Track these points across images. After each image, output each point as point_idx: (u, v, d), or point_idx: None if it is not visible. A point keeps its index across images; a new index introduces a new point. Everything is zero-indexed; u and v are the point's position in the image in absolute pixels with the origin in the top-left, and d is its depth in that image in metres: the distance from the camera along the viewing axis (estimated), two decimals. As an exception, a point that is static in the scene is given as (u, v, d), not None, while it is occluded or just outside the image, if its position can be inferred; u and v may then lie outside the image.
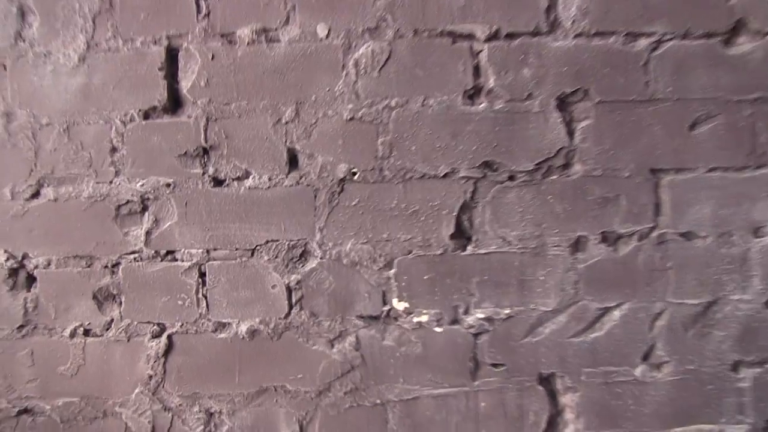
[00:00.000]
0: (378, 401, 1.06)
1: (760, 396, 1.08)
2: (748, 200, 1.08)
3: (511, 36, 1.05)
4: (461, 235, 1.06)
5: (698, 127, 1.07)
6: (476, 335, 1.06)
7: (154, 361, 1.06)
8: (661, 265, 1.07)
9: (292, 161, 1.05)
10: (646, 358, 1.07)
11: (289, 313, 1.05)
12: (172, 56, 1.06)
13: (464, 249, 1.06)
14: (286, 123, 1.05)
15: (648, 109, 1.06)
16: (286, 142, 1.05)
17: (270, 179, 1.05)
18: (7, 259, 1.07)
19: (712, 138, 1.07)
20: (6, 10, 1.08)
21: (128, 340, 1.06)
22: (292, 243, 1.05)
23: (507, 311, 1.06)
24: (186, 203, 1.05)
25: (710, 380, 1.08)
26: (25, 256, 1.07)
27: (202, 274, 1.05)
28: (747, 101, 1.07)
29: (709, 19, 1.07)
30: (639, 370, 1.07)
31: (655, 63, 1.07)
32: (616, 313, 1.07)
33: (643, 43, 1.07)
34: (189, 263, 1.05)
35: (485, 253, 1.05)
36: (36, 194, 1.07)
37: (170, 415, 1.06)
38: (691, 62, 1.07)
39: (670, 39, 1.07)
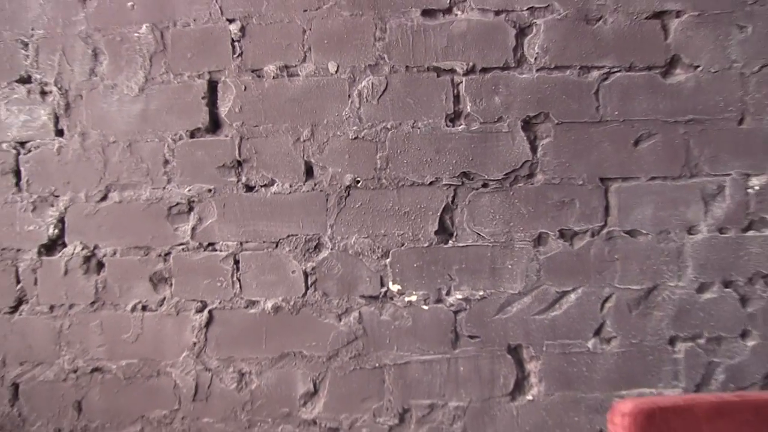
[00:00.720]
0: (377, 365, 1.33)
1: (691, 365, 1.32)
2: (682, 204, 1.33)
3: (484, 70, 1.32)
4: (444, 232, 1.33)
5: (641, 143, 1.33)
6: (456, 312, 1.32)
7: (198, 331, 1.34)
8: (609, 257, 1.33)
9: (309, 172, 1.33)
10: (597, 333, 1.33)
11: (305, 293, 1.33)
12: (212, 87, 1.35)
13: (446, 242, 1.33)
14: (304, 141, 1.33)
15: (598, 129, 1.33)
16: (303, 156, 1.33)
17: (291, 186, 1.33)
18: (82, 249, 1.36)
19: (652, 153, 1.33)
20: (83, 52, 1.38)
21: (177, 314, 1.35)
22: (308, 237, 1.33)
23: (481, 293, 1.32)
24: (224, 205, 1.34)
25: (650, 352, 1.33)
26: (95, 247, 1.36)
27: (237, 262, 1.34)
28: (681, 122, 1.33)
29: (649, 55, 1.33)
30: (591, 343, 1.33)
31: (604, 91, 1.33)
32: (572, 296, 1.33)
33: (594, 74, 1.33)
34: (226, 253, 1.34)
35: (463, 246, 1.32)
36: (104, 197, 1.36)
37: (210, 374, 1.34)
38: (635, 90, 1.33)
39: (617, 71, 1.33)
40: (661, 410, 0.98)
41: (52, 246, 1.37)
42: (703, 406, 1.00)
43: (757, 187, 1.33)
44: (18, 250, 1.37)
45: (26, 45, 1.38)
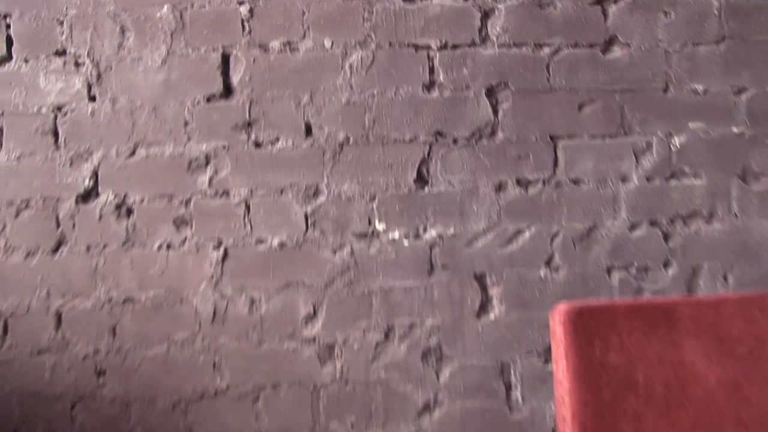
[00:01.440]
0: (366, 291, 1.63)
1: (623, 290, 1.65)
2: (617, 158, 1.65)
3: (455, 46, 1.62)
4: (421, 180, 1.63)
5: (583, 108, 1.65)
6: (431, 246, 1.63)
7: (215, 265, 1.63)
8: (557, 201, 1.64)
9: (308, 131, 1.62)
10: (547, 263, 1.65)
11: (306, 232, 1.62)
12: (225, 60, 1.63)
13: (423, 189, 1.63)
14: (304, 105, 1.62)
15: (549, 96, 1.64)
16: (303, 118, 1.62)
17: (293, 143, 1.62)
18: (114, 198, 1.64)
19: (593, 116, 1.64)
20: (112, 29, 1.65)
21: (197, 251, 1.63)
22: (308, 185, 1.62)
23: (452, 231, 1.63)
24: (236, 159, 1.62)
25: (591, 279, 1.65)
26: (125, 196, 1.64)
27: (248, 206, 1.63)
28: (617, 91, 1.64)
29: (591, 35, 1.65)
30: (542, 272, 1.65)
31: (554, 65, 1.64)
32: (527, 234, 1.64)
33: (546, 51, 1.64)
34: (238, 199, 1.62)
35: (437, 192, 1.63)
36: (133, 153, 1.64)
37: (225, 301, 1.63)
38: (579, 64, 1.64)
39: (565, 48, 1.64)
40: (587, 309, 1.29)
41: (87, 195, 1.64)
42: (621, 306, 1.32)
43: (677, 145, 1.66)
44: (58, 200, 1.64)
45: (62, 23, 1.64)
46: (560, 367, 1.27)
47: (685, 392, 1.28)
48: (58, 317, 1.65)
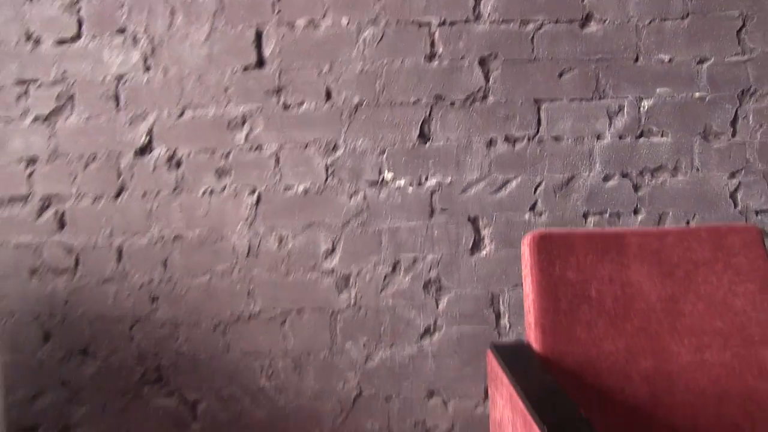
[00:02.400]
0: (376, 230, 1.99)
1: (596, 230, 1.98)
2: (593, 118, 1.97)
3: (452, 23, 1.96)
4: (423, 136, 1.98)
5: (563, 75, 1.97)
6: (432, 193, 1.98)
7: (250, 208, 2.00)
8: (540, 155, 1.98)
9: (328, 95, 1.98)
10: (531, 209, 1.98)
11: (326, 180, 1.98)
12: (258, 36, 1.99)
13: (425, 144, 1.98)
14: (325, 74, 1.97)
15: (533, 65, 1.97)
16: (324, 84, 1.97)
17: (315, 105, 1.98)
18: (166, 152, 2.01)
19: (571, 82, 1.97)
20: (163, 11, 2.02)
21: (235, 196, 2.00)
22: (328, 140, 1.98)
23: (449, 179, 1.97)
24: (268, 119, 1.99)
25: (569, 223, 1.98)
26: (176, 150, 2.01)
27: (277, 158, 1.99)
28: (593, 60, 1.96)
29: (571, 12, 1.97)
30: (527, 216, 1.98)
31: (537, 38, 1.97)
32: (514, 183, 1.98)
33: (531, 26, 1.97)
34: (270, 152, 1.99)
35: (436, 146, 1.97)
36: (181, 115, 2.01)
37: (258, 238, 2.00)
38: (560, 37, 1.97)
39: (547, 24, 1.97)
40: (550, 235, 1.63)
41: (143, 150, 2.02)
42: (578, 234, 1.65)
43: (646, 107, 1.97)
44: (119, 154, 2.02)
45: (122, 6, 2.02)
46: (527, 282, 1.61)
47: (631, 305, 1.61)
48: (119, 252, 2.03)
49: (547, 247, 1.62)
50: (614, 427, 1.54)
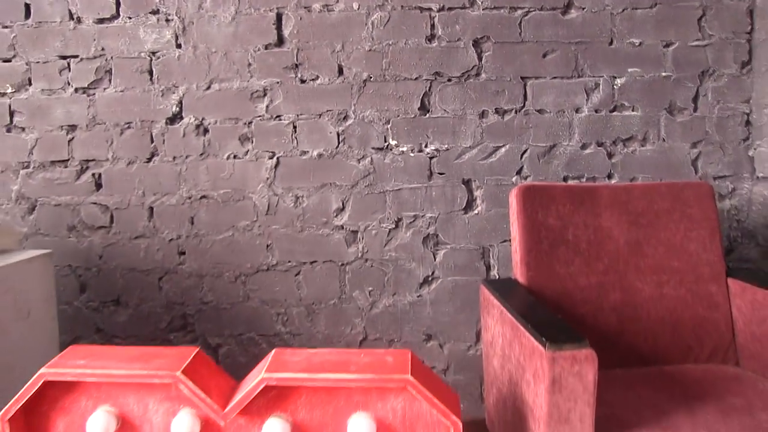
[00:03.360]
0: (381, 190, 2.31)
1: (575, 192, 2.31)
2: (572, 94, 2.31)
3: (450, 8, 2.29)
4: (423, 108, 2.30)
5: (547, 56, 2.31)
6: (431, 158, 2.30)
7: (269, 171, 2.31)
8: (525, 125, 2.31)
9: (340, 71, 2.30)
10: (518, 172, 2.31)
11: (337, 146, 2.30)
12: (279, 18, 2.31)
13: (425, 115, 2.30)
14: (338, 52, 2.29)
15: (521, 46, 2.30)
16: (337, 61, 2.29)
17: (329, 80, 2.30)
18: (195, 120, 2.32)
19: (554, 62, 2.31)
20: (194, -6, 2.33)
21: (256, 160, 2.31)
22: (339, 111, 2.30)
23: (446, 146, 2.30)
24: (286, 91, 2.30)
25: (551, 185, 2.31)
26: (203, 119, 2.32)
27: (294, 127, 2.30)
28: (573, 43, 2.30)
29: (554, 0, 2.31)
30: (514, 179, 2.31)
31: (525, 23, 2.30)
32: (503, 150, 2.31)
33: (519, 12, 2.30)
34: (288, 121, 2.30)
35: (435, 117, 2.30)
36: (209, 87, 2.32)
37: (277, 198, 2.32)
38: (544, 23, 2.30)
39: (533, 10, 2.30)
40: (534, 187, 1.96)
41: (174, 119, 2.32)
42: (558, 186, 1.98)
43: (619, 85, 2.31)
44: (152, 122, 2.33)
45: (155, -11, 2.33)
46: (514, 227, 1.94)
47: (602, 247, 1.95)
48: (151, 210, 2.34)
49: (531, 197, 1.95)
50: (586, 345, 1.87)
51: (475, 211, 2.31)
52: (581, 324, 1.86)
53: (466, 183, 2.31)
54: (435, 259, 2.31)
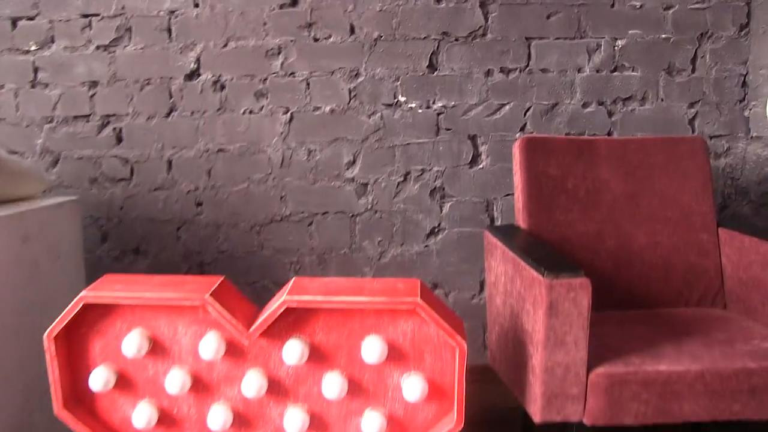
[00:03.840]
0: (391, 145, 2.43)
1: (575, 149, 2.43)
2: (575, 54, 2.42)
3: (458, -30, 2.40)
4: (432, 66, 2.41)
5: (551, 17, 2.41)
6: (438, 114, 2.42)
7: (284, 125, 2.43)
8: (529, 84, 2.42)
9: (352, 30, 2.40)
10: (522, 129, 2.43)
11: (349, 102, 2.42)
12: (292, -22, 2.42)
13: (433, 73, 2.42)
14: (350, 12, 2.40)
15: (527, 8, 2.40)
16: (349, 21, 2.40)
17: (341, 38, 2.41)
18: (212, 77, 2.43)
19: (557, 23, 2.41)
20: (212, -46, 2.43)
21: (271, 115, 2.43)
22: (351, 69, 2.41)
23: (453, 103, 2.42)
24: (300, 49, 2.41)
25: (553, 142, 2.43)
26: (220, 75, 2.43)
27: (308, 84, 2.42)
28: (576, 5, 2.40)
29: (558, -37, 2.41)
30: (518, 135, 2.43)
31: (530, -15, 2.41)
32: (507, 107, 2.43)
33: (524, -25, 2.41)
34: (301, 78, 2.42)
35: (443, 75, 2.41)
36: (225, 45, 2.43)
37: (291, 151, 2.44)
38: (549, -15, 2.41)
39: (539, -27, 2.41)
40: (536, 139, 2.08)
41: (192, 75, 2.44)
42: (559, 139, 2.10)
43: (620, 46, 2.42)
44: (171, 78, 2.44)
45: (174, -50, 2.43)
46: (517, 176, 2.07)
47: (600, 197, 2.07)
48: (169, 163, 2.46)
49: (533, 148, 2.07)
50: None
51: (480, 166, 2.44)
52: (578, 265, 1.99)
53: (472, 138, 2.43)
54: (441, 211, 2.44)
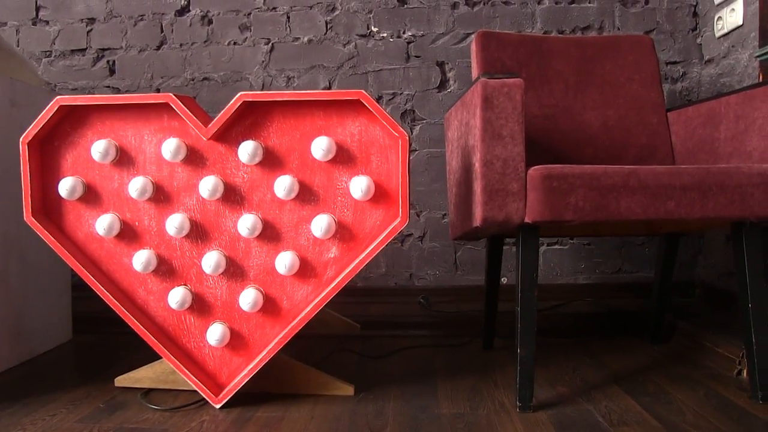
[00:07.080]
0: (364, 72, 2.59)
1: (538, 73, 2.58)
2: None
3: None
4: (402, 0, 2.62)
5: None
6: (408, 43, 2.59)
7: (265, 55, 2.61)
8: (493, 14, 2.60)
9: None
10: (487, 57, 2.59)
11: (326, 32, 2.59)
12: (276, -74, 2.66)
13: (403, 5, 2.60)
14: (326, -47, 2.63)
15: (489, -51, 2.62)
16: (326, -39, 2.63)
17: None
18: (200, 12, 2.64)
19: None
20: None
21: (254, 46, 2.61)
22: (328, 3, 2.60)
23: (422, 32, 2.59)
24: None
25: (517, 68, 2.58)
26: (208, 11, 2.64)
27: (288, 17, 2.61)
28: (535, -54, 2.62)
29: None
30: (483, 62, 2.59)
31: (492, -71, 2.63)
32: (472, 36, 2.59)
33: None
34: (282, 12, 2.61)
35: (412, 8, 2.60)
36: None
37: (271, 78, 2.60)
38: (510, -71, 2.63)
39: None
40: (491, 33, 2.24)
41: (182, 11, 2.64)
42: (512, 35, 2.26)
43: (577, -18, 2.62)
44: (162, 14, 2.65)
45: None
46: (474, 63, 2.20)
47: (553, 85, 2.19)
48: (158, 91, 2.63)
49: (489, 40, 2.21)
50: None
51: (448, 90, 2.58)
52: (535, 146, 2.09)
53: (440, 65, 2.59)
54: (412, 133, 2.57)
